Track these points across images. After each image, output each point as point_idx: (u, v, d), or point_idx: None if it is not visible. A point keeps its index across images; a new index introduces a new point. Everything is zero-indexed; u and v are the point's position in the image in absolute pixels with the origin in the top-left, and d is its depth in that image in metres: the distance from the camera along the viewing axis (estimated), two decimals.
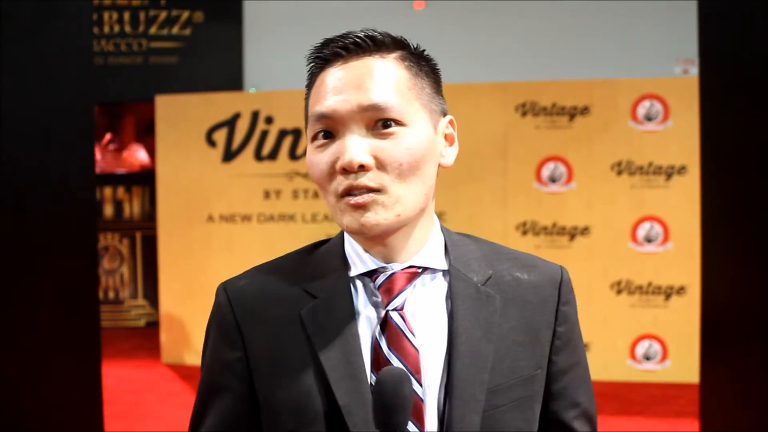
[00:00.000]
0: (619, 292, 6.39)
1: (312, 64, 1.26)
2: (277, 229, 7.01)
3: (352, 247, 1.27)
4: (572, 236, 6.42)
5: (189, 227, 7.11)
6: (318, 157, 1.21)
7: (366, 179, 1.17)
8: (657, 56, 8.14)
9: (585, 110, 6.44)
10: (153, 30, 8.88)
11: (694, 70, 7.23)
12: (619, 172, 6.42)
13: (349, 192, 1.18)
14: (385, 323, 1.21)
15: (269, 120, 7.00)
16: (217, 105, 7.10)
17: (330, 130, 1.21)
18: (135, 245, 8.76)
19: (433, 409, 1.20)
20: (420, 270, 1.25)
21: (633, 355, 6.38)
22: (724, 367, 3.55)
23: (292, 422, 1.19)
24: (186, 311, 7.17)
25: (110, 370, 6.07)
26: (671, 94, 6.33)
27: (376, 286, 1.23)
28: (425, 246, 1.27)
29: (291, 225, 7.01)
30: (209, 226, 7.10)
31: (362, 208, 1.18)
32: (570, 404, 1.31)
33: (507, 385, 1.22)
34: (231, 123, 7.05)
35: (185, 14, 8.86)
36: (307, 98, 1.28)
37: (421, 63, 1.27)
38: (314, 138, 1.22)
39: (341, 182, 1.18)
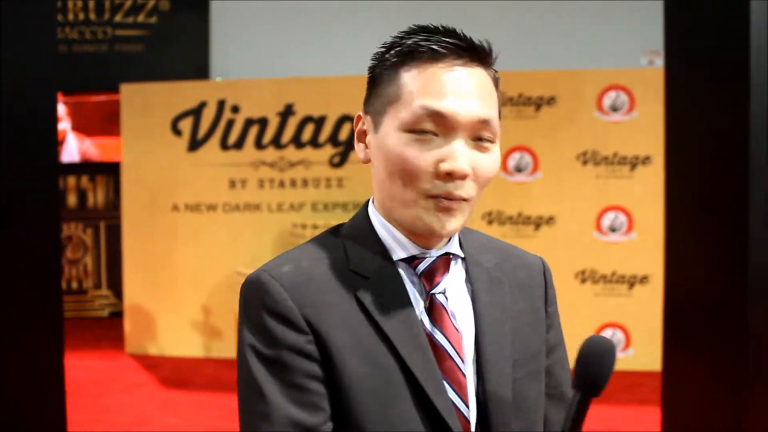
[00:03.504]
0: (583, 281, 6.45)
1: (422, 51, 1.25)
2: (243, 218, 6.98)
3: (389, 233, 1.30)
4: (537, 226, 6.45)
5: (154, 217, 7.06)
6: (415, 151, 1.22)
7: (463, 191, 1.23)
8: (623, 47, 8.19)
9: (551, 101, 6.47)
10: (118, 18, 8.78)
11: (660, 62, 7.28)
12: (585, 162, 6.46)
13: (442, 196, 1.22)
14: (432, 305, 1.27)
15: (235, 109, 6.96)
16: (183, 94, 7.04)
17: (435, 128, 1.22)
18: (99, 235, 8.68)
19: (471, 384, 1.27)
20: (452, 257, 1.32)
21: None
22: (686, 356, 3.59)
23: (370, 399, 1.21)
24: (150, 301, 7.12)
25: (73, 360, 6.01)
26: (637, 85, 6.38)
27: (419, 272, 1.28)
28: (454, 234, 1.33)
29: (256, 214, 6.98)
30: (174, 215, 7.05)
31: (449, 213, 1.23)
32: (554, 382, 1.40)
33: (522, 360, 1.31)
34: (197, 112, 7.00)
35: (151, 2, 8.76)
36: (391, 74, 1.27)
37: (499, 83, 1.31)
38: (412, 130, 1.23)
39: (439, 185, 1.22)
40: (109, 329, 8.00)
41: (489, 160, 1.25)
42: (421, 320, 1.26)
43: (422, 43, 1.25)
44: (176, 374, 6.51)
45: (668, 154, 3.64)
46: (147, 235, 7.07)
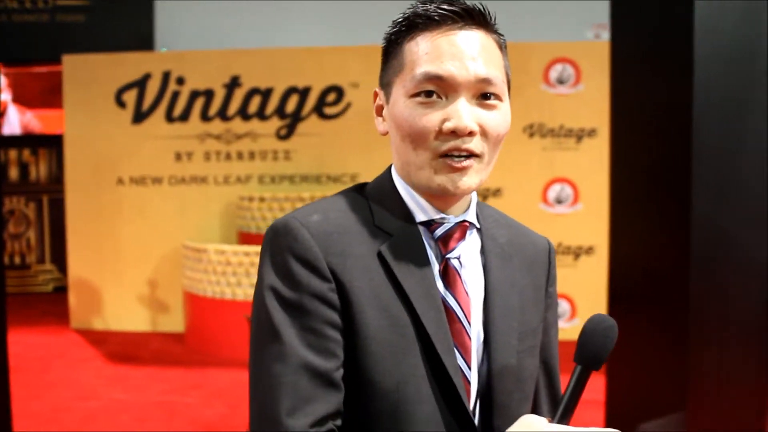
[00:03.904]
0: None
1: (419, 21, 1.31)
2: (189, 191, 6.91)
3: (410, 196, 1.35)
4: (484, 198, 6.49)
5: (98, 190, 6.96)
6: (420, 114, 1.28)
7: (473, 145, 1.27)
8: (569, 21, 8.23)
9: None
10: None
11: (606, 35, 7.34)
12: (531, 135, 6.50)
13: (451, 153, 1.27)
14: (446, 268, 1.32)
15: (180, 81, 6.88)
16: (127, 65, 6.94)
17: (438, 91, 1.28)
18: (42, 209, 8.54)
19: (475, 348, 1.32)
20: (469, 224, 1.37)
21: None
22: (629, 325, 3.65)
23: (384, 350, 1.25)
24: (96, 275, 7.04)
25: (17, 336, 5.93)
26: (583, 59, 6.43)
27: (436, 237, 1.34)
28: (472, 203, 1.39)
29: (203, 187, 6.92)
30: (119, 189, 6.96)
31: (460, 171, 1.28)
32: (547, 357, 1.47)
33: (525, 334, 1.37)
34: (141, 84, 6.90)
35: None
36: (395, 47, 1.33)
37: (505, 47, 1.37)
38: (416, 94, 1.28)
39: (446, 142, 1.27)
40: (53, 304, 7.90)
41: (496, 117, 1.30)
42: (437, 280, 1.32)
43: (420, 12, 1.31)
44: (122, 349, 6.45)
45: (613, 126, 3.68)
46: (91, 208, 6.98)
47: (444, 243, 1.34)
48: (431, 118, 1.27)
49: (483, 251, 1.38)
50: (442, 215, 1.34)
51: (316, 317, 1.24)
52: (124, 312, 7.03)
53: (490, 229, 1.40)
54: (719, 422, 3.38)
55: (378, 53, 1.39)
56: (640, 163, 3.54)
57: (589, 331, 1.26)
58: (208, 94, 6.85)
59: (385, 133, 1.37)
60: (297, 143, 6.86)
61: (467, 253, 1.36)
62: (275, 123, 6.87)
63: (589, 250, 6.50)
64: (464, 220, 1.36)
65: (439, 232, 1.34)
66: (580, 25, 8.29)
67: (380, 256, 1.29)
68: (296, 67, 6.68)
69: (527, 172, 6.49)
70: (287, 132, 6.88)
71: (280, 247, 1.28)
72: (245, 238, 6.67)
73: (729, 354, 3.37)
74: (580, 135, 6.47)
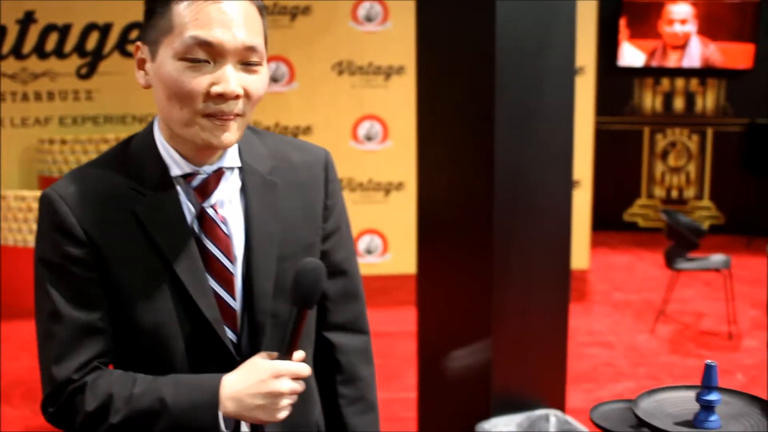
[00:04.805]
0: (341, 189, 6.58)
1: None
2: None
3: (166, 151, 1.47)
4: (294, 136, 6.48)
5: None
6: (189, 76, 1.37)
7: (237, 108, 1.40)
8: None
9: (306, 10, 6.45)
10: None
11: None
12: (340, 73, 6.53)
13: (216, 115, 1.39)
14: (202, 216, 1.47)
15: None
16: None
17: (206, 56, 1.37)
18: None
19: (239, 280, 1.50)
20: (225, 170, 1.50)
21: (356, 250, 6.62)
22: (438, 258, 3.77)
23: (141, 299, 1.44)
24: None
25: None
26: None
27: (193, 187, 1.47)
28: (229, 150, 1.51)
29: None
30: None
31: (223, 128, 1.40)
32: (332, 262, 1.64)
33: (293, 253, 1.53)
34: None
35: None
36: (163, 6, 1.39)
37: (264, 12, 1.48)
38: (185, 58, 1.37)
39: (212, 105, 1.38)
40: None
41: (257, 81, 1.42)
42: (193, 229, 1.46)
43: None
44: None
45: (420, 64, 3.74)
46: None
47: (200, 192, 1.48)
48: (200, 82, 1.37)
49: (244, 189, 1.52)
50: (196, 168, 1.47)
51: (77, 278, 1.43)
52: None
53: (251, 164, 1.53)
54: (521, 346, 3.57)
55: None
56: (446, 100, 3.62)
57: (298, 275, 1.42)
58: (0, 31, 6.46)
59: (148, 87, 1.45)
60: (99, 83, 6.60)
61: (227, 195, 1.50)
62: (75, 61, 6.57)
63: (399, 186, 6.64)
64: (219, 168, 1.49)
65: (195, 182, 1.48)
66: None
67: (135, 215, 1.44)
68: (95, 3, 6.40)
69: (337, 110, 6.52)
70: (88, 71, 6.60)
71: (42, 218, 1.46)
72: (47, 183, 6.39)
73: (530, 284, 3.55)
74: (388, 73, 6.55)
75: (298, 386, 1.43)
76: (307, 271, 1.42)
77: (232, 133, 1.41)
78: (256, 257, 1.50)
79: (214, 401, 1.41)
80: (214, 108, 1.38)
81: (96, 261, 1.43)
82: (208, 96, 1.38)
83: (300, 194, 1.58)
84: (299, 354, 1.44)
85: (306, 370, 1.44)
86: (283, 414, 1.43)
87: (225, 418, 1.42)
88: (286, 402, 1.42)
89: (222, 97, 1.37)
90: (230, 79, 1.37)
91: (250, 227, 1.50)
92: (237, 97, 1.39)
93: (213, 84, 1.37)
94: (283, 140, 1.62)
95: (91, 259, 1.43)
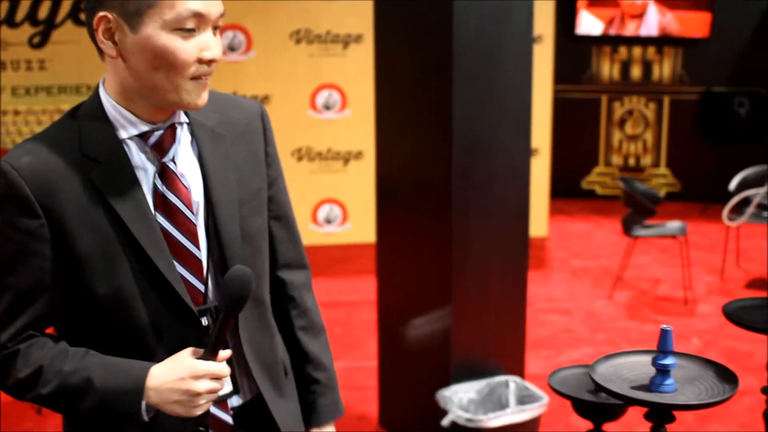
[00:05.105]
0: (299, 159, 6.55)
1: None
2: None
3: (118, 113, 1.53)
4: None
5: None
6: (183, 45, 1.46)
7: (213, 69, 1.52)
8: None
9: None
10: None
11: None
12: (298, 41, 6.47)
13: (201, 77, 1.50)
14: (164, 171, 1.54)
15: None
16: None
17: (194, 25, 1.47)
18: None
19: (202, 229, 1.58)
20: (178, 125, 1.58)
21: (315, 220, 6.62)
22: (397, 227, 3.78)
23: (100, 263, 1.49)
24: None
25: None
26: None
27: (150, 145, 1.54)
28: None
29: None
30: None
31: (203, 88, 1.52)
32: (277, 205, 1.76)
33: (248, 198, 1.64)
34: None
35: None
36: None
37: None
38: (177, 28, 1.45)
39: (202, 68, 1.49)
40: None
41: (221, 44, 1.55)
42: (155, 184, 1.53)
43: None
44: None
45: (377, 32, 3.72)
46: None
47: (158, 149, 1.55)
48: (191, 49, 1.47)
49: (195, 141, 1.60)
50: (151, 125, 1.54)
51: (24, 250, 1.48)
52: None
53: (198, 119, 1.61)
54: (480, 314, 3.60)
55: None
56: (404, 69, 3.61)
57: (227, 282, 1.48)
58: None
59: (116, 57, 1.50)
60: (52, 52, 6.47)
61: (182, 149, 1.59)
62: (27, 30, 6.44)
63: (358, 155, 6.62)
64: (172, 124, 1.56)
65: (152, 140, 1.55)
66: None
67: (92, 183, 1.49)
68: None
69: (295, 79, 6.47)
70: (41, 40, 6.47)
71: None
72: (0, 154, 6.28)
73: (489, 252, 3.57)
74: (346, 41, 6.50)
75: (218, 385, 1.50)
76: (236, 278, 1.47)
77: (206, 92, 1.53)
78: (218, 205, 1.58)
79: (139, 389, 1.49)
80: (203, 71, 1.50)
81: (51, 231, 1.48)
82: (199, 60, 1.49)
83: (245, 143, 1.68)
84: (225, 353, 1.51)
85: (226, 371, 1.51)
86: (200, 411, 1.51)
87: (147, 406, 1.50)
88: (203, 401, 1.50)
89: (212, 62, 1.50)
90: (213, 44, 1.50)
91: (208, 177, 1.59)
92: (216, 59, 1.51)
93: (202, 50, 1.49)
94: (219, 96, 1.69)
95: (45, 231, 1.48)
